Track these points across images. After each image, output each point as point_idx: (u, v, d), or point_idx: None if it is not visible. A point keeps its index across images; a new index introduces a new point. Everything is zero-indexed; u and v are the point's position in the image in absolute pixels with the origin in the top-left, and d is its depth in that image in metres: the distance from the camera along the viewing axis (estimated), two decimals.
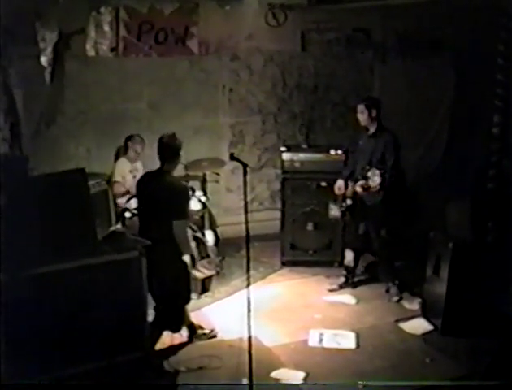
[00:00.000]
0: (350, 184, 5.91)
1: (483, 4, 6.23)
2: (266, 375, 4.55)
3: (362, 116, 5.80)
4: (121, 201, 6.39)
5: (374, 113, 5.77)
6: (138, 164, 6.76)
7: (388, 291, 6.03)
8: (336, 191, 6.03)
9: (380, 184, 5.32)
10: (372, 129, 5.82)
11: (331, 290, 6.18)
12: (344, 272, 6.26)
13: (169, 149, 5.02)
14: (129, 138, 6.69)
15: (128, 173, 6.66)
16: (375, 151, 5.74)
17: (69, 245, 4.10)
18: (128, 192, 6.43)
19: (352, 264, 6.21)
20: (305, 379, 4.55)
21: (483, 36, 6.49)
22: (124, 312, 4.14)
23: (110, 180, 6.58)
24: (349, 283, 6.24)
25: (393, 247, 6.02)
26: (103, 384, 3.98)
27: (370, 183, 5.37)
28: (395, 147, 5.70)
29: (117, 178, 6.59)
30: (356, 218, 6.09)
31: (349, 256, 6.21)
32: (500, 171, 6.29)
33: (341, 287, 6.21)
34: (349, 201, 5.90)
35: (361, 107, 5.80)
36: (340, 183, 6.01)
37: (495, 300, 5.03)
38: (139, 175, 6.72)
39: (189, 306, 5.67)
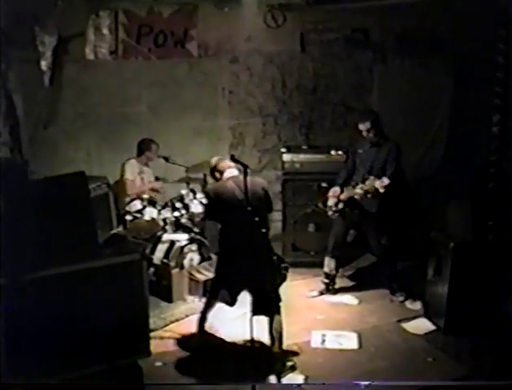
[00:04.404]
0: (345, 189, 5.82)
1: (481, 3, 6.24)
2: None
3: (370, 133, 5.73)
4: (131, 203, 6.31)
5: (380, 126, 5.76)
6: (146, 168, 6.79)
7: (393, 293, 5.98)
8: (330, 194, 5.91)
9: (380, 188, 5.31)
10: (376, 139, 5.78)
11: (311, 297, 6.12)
12: (326, 280, 6.14)
13: None
14: (148, 146, 6.66)
15: (137, 175, 6.67)
16: (376, 160, 5.73)
17: (70, 249, 4.10)
18: (140, 196, 6.36)
19: (334, 272, 6.11)
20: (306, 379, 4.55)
21: (482, 34, 6.49)
22: (126, 315, 4.13)
23: (118, 180, 6.60)
24: (330, 290, 6.15)
25: (395, 251, 5.99)
26: (105, 387, 3.97)
27: (377, 184, 5.33)
28: (396, 157, 5.69)
29: (130, 176, 6.59)
30: (347, 225, 6.00)
31: (332, 264, 6.06)
32: (500, 170, 6.29)
33: (322, 293, 6.14)
34: (340, 206, 5.81)
35: (367, 125, 5.71)
36: (336, 188, 5.92)
37: (496, 299, 5.03)
38: (147, 177, 6.75)
39: (190, 309, 5.70)
